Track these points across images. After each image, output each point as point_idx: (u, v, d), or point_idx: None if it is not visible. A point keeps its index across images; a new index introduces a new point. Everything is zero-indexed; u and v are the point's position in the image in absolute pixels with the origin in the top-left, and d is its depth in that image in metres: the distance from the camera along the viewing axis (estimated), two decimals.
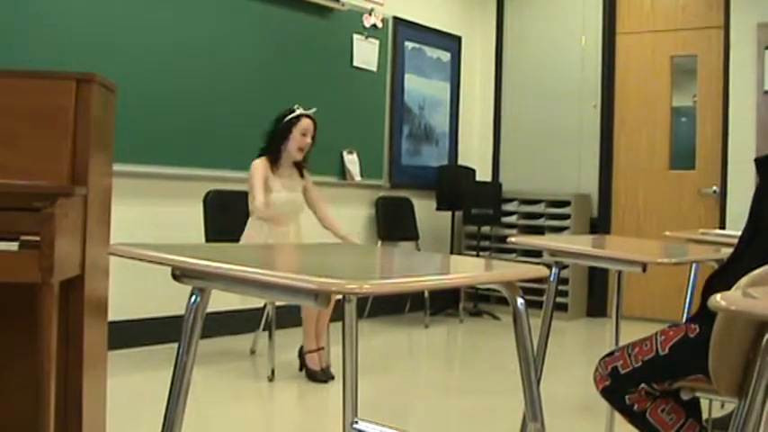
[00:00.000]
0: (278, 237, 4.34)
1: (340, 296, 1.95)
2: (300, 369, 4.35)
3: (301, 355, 4.35)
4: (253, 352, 4.87)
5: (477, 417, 3.76)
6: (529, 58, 7.32)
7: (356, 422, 2.09)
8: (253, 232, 4.40)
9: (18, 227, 2.06)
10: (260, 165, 4.38)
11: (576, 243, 2.75)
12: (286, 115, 4.44)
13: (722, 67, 6.38)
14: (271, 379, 4.22)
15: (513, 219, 7.00)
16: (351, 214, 6.28)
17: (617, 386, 2.12)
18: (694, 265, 3.57)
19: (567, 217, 6.77)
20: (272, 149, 4.42)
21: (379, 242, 6.34)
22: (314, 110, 4.52)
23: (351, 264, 1.80)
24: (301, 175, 4.53)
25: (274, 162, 4.41)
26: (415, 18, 6.79)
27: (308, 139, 4.43)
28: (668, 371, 2.06)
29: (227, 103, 5.19)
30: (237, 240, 4.45)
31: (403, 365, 5.07)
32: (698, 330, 2.04)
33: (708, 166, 6.50)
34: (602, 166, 6.94)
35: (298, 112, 4.44)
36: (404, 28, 6.67)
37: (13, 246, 2.05)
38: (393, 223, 6.46)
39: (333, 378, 4.23)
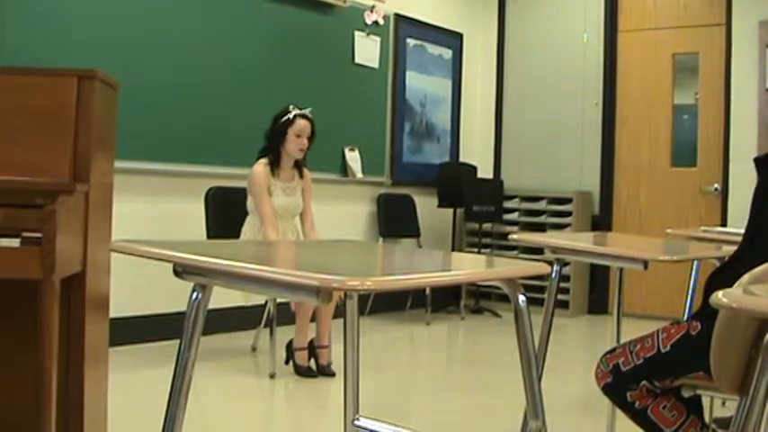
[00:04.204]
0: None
1: (342, 293, 1.96)
2: (286, 362, 4.38)
3: (289, 348, 4.38)
4: (254, 349, 4.88)
5: (479, 414, 3.77)
6: (530, 56, 7.32)
7: (357, 419, 2.09)
8: (250, 233, 4.42)
9: (19, 223, 2.06)
10: (261, 171, 4.36)
11: (578, 240, 2.75)
12: (283, 114, 4.41)
13: (724, 64, 6.38)
14: (272, 376, 4.22)
15: (514, 216, 7.00)
16: (352, 211, 6.29)
17: (618, 383, 2.12)
18: (696, 263, 3.57)
19: (568, 214, 6.76)
20: (272, 150, 4.42)
21: (381, 239, 6.34)
22: (309, 109, 4.50)
23: (352, 261, 1.80)
24: (301, 175, 4.53)
25: (275, 164, 4.40)
26: (417, 15, 6.78)
27: (304, 140, 4.40)
28: (670, 368, 2.06)
29: (228, 100, 5.19)
30: (238, 237, 4.46)
31: (404, 362, 5.08)
32: (699, 328, 2.04)
33: (709, 163, 6.50)
34: (603, 163, 6.94)
35: (293, 113, 4.41)
36: (405, 25, 6.66)
37: (15, 242, 2.05)
38: (394, 220, 6.46)
39: (334, 375, 4.24)
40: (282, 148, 4.40)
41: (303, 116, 4.42)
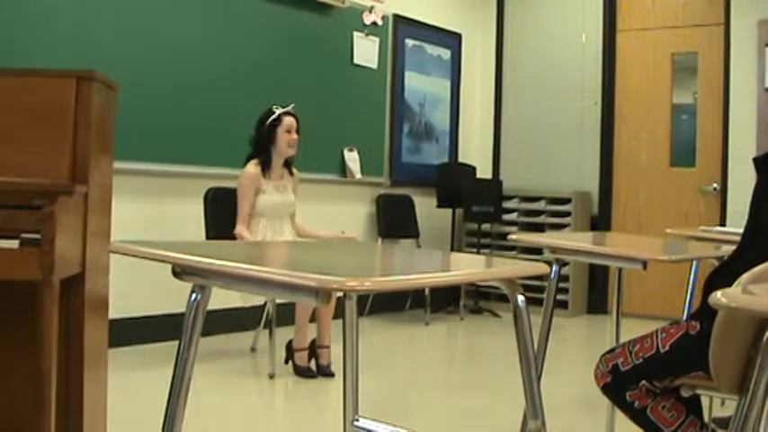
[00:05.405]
0: (272, 237, 4.39)
1: (341, 293, 1.95)
2: (286, 362, 4.38)
3: (289, 348, 4.39)
4: (253, 349, 4.88)
5: (478, 414, 3.77)
6: (529, 56, 7.32)
7: (357, 419, 2.09)
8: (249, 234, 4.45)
9: (19, 225, 2.06)
10: (252, 171, 4.42)
11: (577, 240, 2.75)
12: (266, 118, 4.48)
13: (723, 64, 6.38)
14: (271, 376, 4.22)
15: (513, 216, 7.00)
16: (351, 212, 6.29)
17: (618, 383, 2.12)
18: (695, 263, 3.57)
19: (567, 214, 6.76)
20: (262, 153, 4.46)
21: (380, 240, 6.34)
22: (292, 105, 4.57)
23: (351, 261, 1.80)
24: (291, 173, 4.57)
25: (267, 165, 4.45)
26: (416, 15, 6.78)
27: (294, 135, 4.49)
28: (669, 368, 2.06)
29: (227, 101, 5.19)
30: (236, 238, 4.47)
31: (403, 363, 5.08)
32: (699, 327, 2.04)
33: (708, 163, 6.50)
34: (602, 163, 6.94)
35: (277, 112, 4.48)
36: (404, 25, 6.67)
37: (14, 243, 2.05)
38: (393, 221, 6.46)
39: (333, 375, 4.24)
40: (273, 149, 4.46)
41: (288, 113, 4.51)
